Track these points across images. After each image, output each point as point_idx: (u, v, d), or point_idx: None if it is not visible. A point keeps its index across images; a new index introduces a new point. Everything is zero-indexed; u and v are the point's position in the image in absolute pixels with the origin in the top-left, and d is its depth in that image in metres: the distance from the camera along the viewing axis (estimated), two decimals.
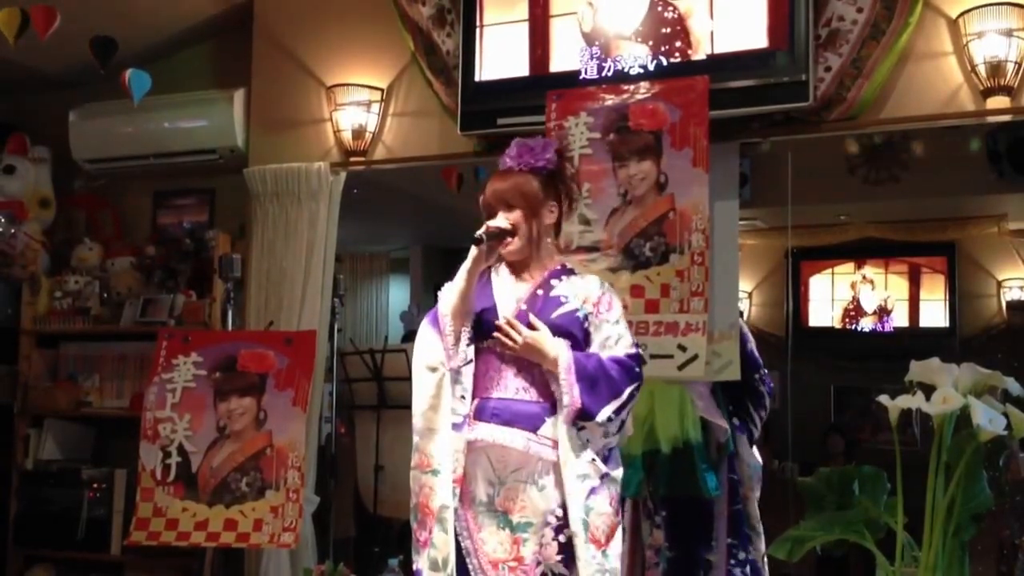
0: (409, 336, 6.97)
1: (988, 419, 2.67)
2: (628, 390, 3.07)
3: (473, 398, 3.12)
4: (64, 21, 4.50)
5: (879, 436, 6.39)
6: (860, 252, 7.19)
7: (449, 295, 3.12)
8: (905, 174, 5.77)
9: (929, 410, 2.76)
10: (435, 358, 3.11)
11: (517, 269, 3.22)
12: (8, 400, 5.67)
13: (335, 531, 5.38)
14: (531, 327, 3.06)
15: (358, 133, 5.13)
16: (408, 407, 5.61)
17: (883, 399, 2.87)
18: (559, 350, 3.03)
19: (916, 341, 6.99)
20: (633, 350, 3.14)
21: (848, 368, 6.95)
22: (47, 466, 5.53)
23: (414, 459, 3.13)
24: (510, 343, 3.05)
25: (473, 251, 3.06)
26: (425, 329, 3.16)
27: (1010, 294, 6.98)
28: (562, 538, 3.02)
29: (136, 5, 5.28)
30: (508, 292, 3.18)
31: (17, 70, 5.68)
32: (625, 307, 4.15)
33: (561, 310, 3.12)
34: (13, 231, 5.54)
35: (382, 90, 5.18)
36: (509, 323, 3.05)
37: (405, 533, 5.68)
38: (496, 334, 3.06)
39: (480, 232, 3.06)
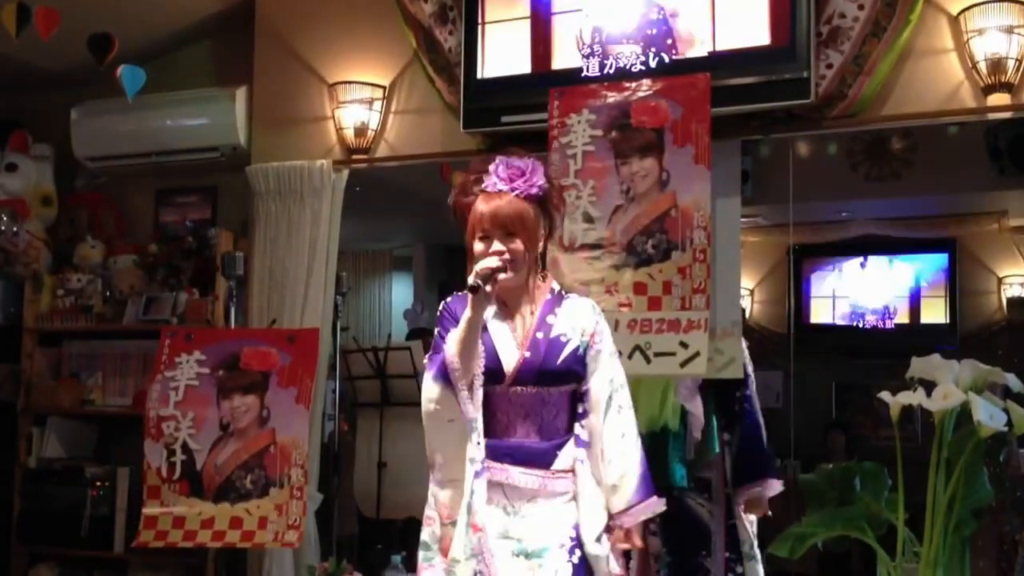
0: (413, 334, 6.98)
1: (988, 415, 2.68)
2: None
3: (486, 438, 3.05)
4: (66, 19, 4.51)
5: (880, 432, 6.41)
6: (861, 249, 7.20)
7: (456, 346, 2.98)
8: (906, 171, 5.78)
9: (930, 406, 2.77)
10: (452, 410, 3.00)
11: (509, 304, 3.13)
12: (11, 398, 5.67)
13: (338, 529, 5.39)
14: (557, 374, 3.07)
15: (360, 131, 5.13)
16: (410, 404, 5.66)
17: (884, 395, 2.88)
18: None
19: (917, 337, 7.00)
20: (626, 392, 3.14)
21: (849, 365, 6.97)
22: (50, 464, 5.54)
23: (435, 508, 3.11)
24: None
25: (472, 298, 2.93)
26: (433, 383, 3.02)
27: (1010, 291, 7.00)
28: (575, 559, 3.01)
29: (138, 3, 5.28)
30: (506, 338, 3.08)
31: (19, 67, 5.69)
32: (628, 305, 4.19)
33: (566, 352, 3.06)
34: (15, 229, 5.55)
35: (384, 87, 5.18)
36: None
37: (407, 530, 5.72)
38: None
39: (473, 280, 2.92)
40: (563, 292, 3.20)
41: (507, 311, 3.12)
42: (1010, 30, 4.04)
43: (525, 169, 3.07)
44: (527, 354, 3.06)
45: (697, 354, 4.09)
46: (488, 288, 2.92)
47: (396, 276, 8.76)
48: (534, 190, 3.06)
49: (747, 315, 6.65)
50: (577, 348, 3.07)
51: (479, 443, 2.99)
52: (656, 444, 4.17)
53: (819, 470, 3.26)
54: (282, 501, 4.52)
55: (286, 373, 4.65)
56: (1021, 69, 4.07)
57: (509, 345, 3.07)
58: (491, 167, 3.09)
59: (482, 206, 3.05)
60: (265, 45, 5.50)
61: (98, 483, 5.40)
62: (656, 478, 4.17)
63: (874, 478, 3.02)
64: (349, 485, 5.86)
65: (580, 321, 3.11)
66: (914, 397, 2.80)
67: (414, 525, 5.69)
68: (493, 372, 3.03)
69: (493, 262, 2.96)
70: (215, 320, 5.31)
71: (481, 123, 4.76)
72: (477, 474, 2.98)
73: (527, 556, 3.03)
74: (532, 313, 3.12)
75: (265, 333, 4.95)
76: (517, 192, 3.04)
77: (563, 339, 3.07)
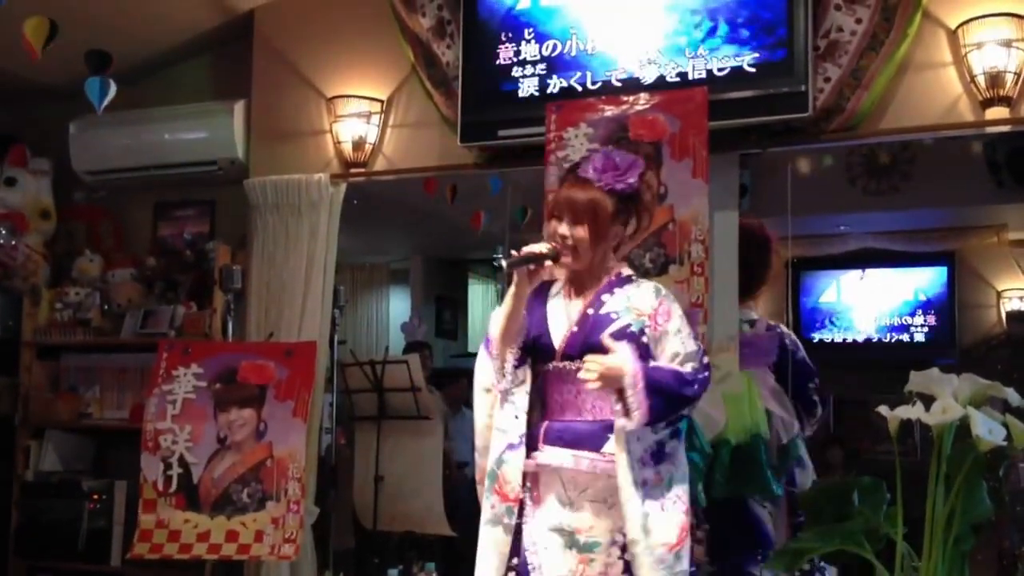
0: (410, 347, 6.97)
1: (988, 429, 2.67)
2: (688, 408, 3.08)
3: (543, 420, 3.15)
4: (65, 34, 4.49)
5: (879, 447, 6.39)
6: (860, 262, 7.21)
7: (497, 318, 3.13)
8: (905, 184, 5.78)
9: (929, 420, 2.76)
10: (487, 380, 3.19)
11: (573, 286, 3.20)
12: (9, 411, 5.66)
13: (335, 542, 5.37)
14: (602, 350, 2.98)
15: (358, 144, 5.13)
16: (408, 418, 5.65)
17: (882, 409, 2.87)
18: (625, 363, 2.94)
19: (916, 351, 7.00)
20: (698, 363, 3.06)
21: (848, 378, 6.95)
22: (48, 477, 5.52)
23: (476, 474, 3.28)
24: (598, 375, 2.95)
25: (515, 275, 3.03)
26: (480, 352, 3.22)
27: (1010, 304, 7.00)
28: (628, 556, 3.01)
29: (137, 18, 5.29)
30: (561, 315, 3.15)
31: (17, 81, 5.69)
32: None
33: (612, 328, 3.06)
34: (14, 243, 5.54)
35: (382, 101, 5.19)
36: (589, 362, 2.96)
37: (404, 544, 5.71)
38: (580, 375, 2.98)
39: (501, 260, 3.00)
40: (632, 277, 3.21)
41: (574, 292, 3.19)
42: (1008, 44, 4.05)
43: (620, 165, 3.13)
44: (575, 329, 3.11)
45: None
46: (529, 268, 3.01)
47: (393, 289, 8.75)
48: (620, 186, 3.11)
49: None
50: (628, 327, 3.06)
51: (517, 417, 3.10)
52: (752, 452, 4.18)
53: (816, 484, 3.25)
54: (279, 514, 4.51)
55: (283, 386, 4.65)
56: (1019, 83, 4.07)
57: (562, 322, 3.14)
58: (593, 155, 3.21)
59: (564, 188, 3.16)
60: (263, 59, 5.51)
61: (95, 496, 5.39)
62: (754, 488, 4.17)
63: (872, 492, 3.00)
64: (346, 498, 5.85)
65: (637, 302, 3.11)
66: (913, 411, 2.79)
67: (411, 539, 5.72)
68: (545, 348, 3.12)
69: (537, 248, 3.04)
70: (213, 333, 5.30)
71: (478, 137, 4.76)
72: (512, 446, 3.10)
73: (579, 549, 3.05)
74: (591, 293, 3.16)
75: (262, 346, 4.95)
76: (601, 184, 3.10)
77: (613, 316, 3.09)
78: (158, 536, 4.54)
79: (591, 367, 2.93)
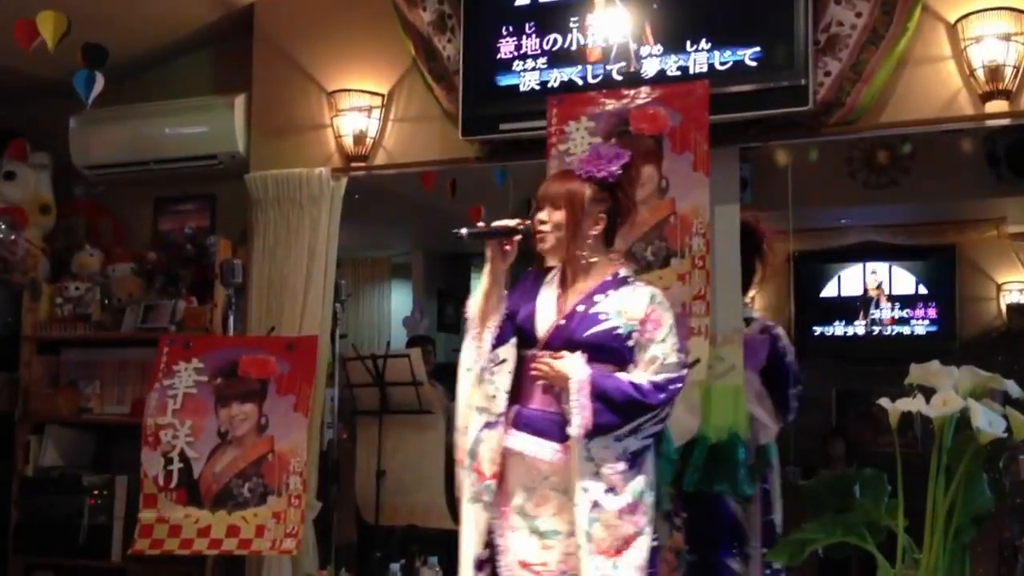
0: (412, 341, 6.98)
1: (988, 421, 2.67)
2: (647, 416, 3.07)
3: (515, 404, 3.20)
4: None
5: (880, 439, 6.41)
6: (861, 255, 7.22)
7: (473, 296, 3.22)
8: (905, 178, 5.78)
9: (929, 413, 2.76)
10: (469, 359, 3.23)
11: (565, 278, 3.25)
12: (9, 407, 5.65)
13: (337, 536, 5.38)
14: (583, 347, 3.09)
15: (359, 138, 5.13)
16: (409, 412, 5.66)
17: (883, 402, 2.87)
18: (573, 370, 3.05)
19: (916, 344, 7.01)
20: (673, 374, 3.10)
21: (849, 371, 6.97)
22: (48, 473, 5.51)
23: (456, 453, 3.29)
24: (543, 374, 3.10)
25: (488, 252, 3.14)
26: (466, 333, 3.28)
27: (1010, 297, 7.01)
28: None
29: (137, 12, 5.28)
30: (549, 306, 3.21)
31: (18, 76, 5.68)
32: None
33: (596, 328, 3.11)
34: (14, 237, 5.54)
35: (383, 95, 5.18)
36: (539, 360, 3.12)
37: (407, 538, 5.71)
38: (532, 366, 3.13)
39: (462, 230, 3.11)
40: (628, 279, 3.24)
41: (565, 283, 3.24)
42: (1007, 37, 4.04)
43: (604, 155, 3.22)
44: (561, 322, 3.16)
45: (697, 361, 4.08)
46: (498, 242, 3.12)
47: (395, 284, 8.76)
48: (600, 174, 3.18)
49: None
50: (614, 329, 3.11)
51: (495, 396, 3.17)
52: (728, 450, 4.19)
53: (818, 476, 3.25)
54: (280, 509, 4.50)
55: (285, 381, 4.64)
56: (1019, 76, 4.07)
57: (550, 312, 3.20)
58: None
59: (548, 181, 3.28)
60: (264, 53, 5.50)
61: (96, 492, 5.38)
62: (726, 486, 4.20)
63: (874, 485, 3.01)
64: (348, 493, 5.85)
65: (628, 306, 3.15)
66: (913, 404, 2.80)
67: (413, 533, 5.73)
68: (528, 335, 3.19)
69: (504, 222, 3.15)
70: (213, 328, 5.30)
71: (480, 131, 4.76)
72: (489, 425, 3.17)
73: (541, 535, 3.12)
74: (585, 289, 3.20)
75: (264, 341, 4.94)
76: (580, 173, 3.20)
77: (601, 317, 3.14)
78: (159, 531, 4.54)
79: (541, 366, 3.09)
